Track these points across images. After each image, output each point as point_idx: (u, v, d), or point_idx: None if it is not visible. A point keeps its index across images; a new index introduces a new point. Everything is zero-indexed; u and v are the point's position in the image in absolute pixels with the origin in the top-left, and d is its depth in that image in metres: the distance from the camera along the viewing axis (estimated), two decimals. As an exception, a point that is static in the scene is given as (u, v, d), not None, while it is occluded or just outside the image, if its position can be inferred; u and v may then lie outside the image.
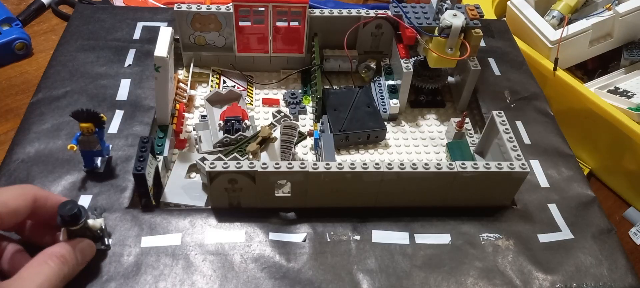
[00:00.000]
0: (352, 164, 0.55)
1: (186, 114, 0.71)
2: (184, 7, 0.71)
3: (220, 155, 0.60)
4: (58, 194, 0.51)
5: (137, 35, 0.78)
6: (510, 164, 0.57)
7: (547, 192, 0.63)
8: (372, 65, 0.78)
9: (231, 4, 0.71)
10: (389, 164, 0.55)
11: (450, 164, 0.56)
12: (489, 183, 0.58)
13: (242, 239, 0.55)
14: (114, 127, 0.64)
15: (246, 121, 0.66)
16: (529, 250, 0.57)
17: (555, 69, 0.84)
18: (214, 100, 0.70)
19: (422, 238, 0.57)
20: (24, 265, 0.44)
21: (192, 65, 0.76)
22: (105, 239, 0.52)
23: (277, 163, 0.54)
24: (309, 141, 0.69)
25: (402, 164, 0.55)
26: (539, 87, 0.78)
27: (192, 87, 0.75)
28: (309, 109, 0.75)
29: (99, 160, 0.59)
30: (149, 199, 0.55)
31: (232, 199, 0.57)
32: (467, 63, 0.72)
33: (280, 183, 0.59)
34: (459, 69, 0.76)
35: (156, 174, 0.57)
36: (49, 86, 0.68)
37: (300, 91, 0.77)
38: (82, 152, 0.57)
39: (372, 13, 0.75)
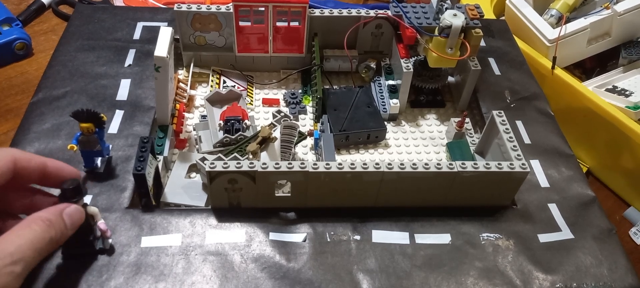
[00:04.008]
0: (352, 164, 0.55)
1: (186, 114, 0.71)
2: (184, 7, 0.71)
3: (220, 155, 0.60)
4: (42, 156, 0.50)
5: (137, 35, 0.78)
6: (510, 164, 0.57)
7: (547, 192, 0.63)
8: (372, 65, 0.78)
9: (231, 4, 0.71)
10: (389, 164, 0.55)
11: (450, 164, 0.56)
12: (489, 183, 0.58)
13: (242, 239, 0.55)
14: (114, 127, 0.64)
15: (246, 121, 0.66)
16: (529, 250, 0.57)
17: (553, 67, 0.84)
18: (214, 100, 0.70)
19: (422, 238, 0.57)
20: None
21: (192, 65, 0.76)
22: (105, 241, 0.52)
23: (277, 164, 0.54)
24: (309, 141, 0.69)
25: (402, 164, 0.55)
26: (539, 87, 0.78)
27: (192, 87, 0.75)
28: (309, 109, 0.75)
29: (99, 160, 0.59)
30: (149, 199, 0.55)
31: (232, 199, 0.57)
32: (467, 63, 0.72)
33: (280, 183, 0.59)
34: (459, 68, 0.76)
35: (156, 174, 0.57)
36: (49, 86, 0.68)
37: (300, 91, 0.77)
38: (82, 152, 0.57)
39: (372, 13, 0.75)
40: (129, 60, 0.74)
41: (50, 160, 0.50)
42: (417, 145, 0.72)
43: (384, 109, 0.74)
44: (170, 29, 0.59)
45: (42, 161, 0.49)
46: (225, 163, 0.53)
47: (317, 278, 0.52)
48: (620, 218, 0.82)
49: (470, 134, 0.74)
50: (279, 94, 0.77)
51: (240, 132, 0.65)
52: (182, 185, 0.62)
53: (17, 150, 0.48)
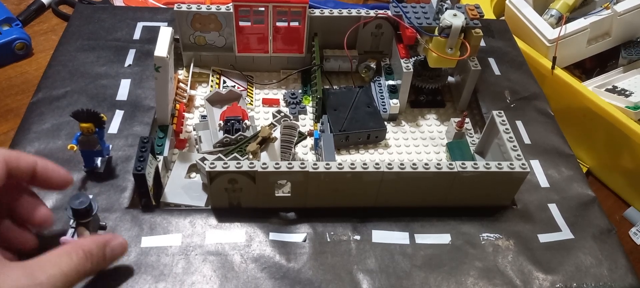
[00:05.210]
0: (352, 164, 0.55)
1: (186, 114, 0.71)
2: (184, 7, 0.71)
3: (220, 155, 0.60)
4: (29, 154, 0.49)
5: (137, 35, 0.78)
6: (510, 164, 0.57)
7: (547, 192, 0.63)
8: (372, 65, 0.78)
9: (231, 4, 0.71)
10: (389, 164, 0.55)
11: (450, 164, 0.56)
12: (489, 183, 0.58)
13: (242, 239, 0.55)
14: (114, 127, 0.64)
15: (246, 121, 0.66)
16: (529, 250, 0.57)
17: (553, 67, 0.84)
18: (214, 100, 0.70)
19: (422, 238, 0.57)
20: (49, 251, 0.43)
21: (192, 65, 0.76)
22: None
23: (277, 164, 0.54)
24: (309, 141, 0.69)
25: (402, 164, 0.55)
26: (539, 87, 0.78)
27: (192, 87, 0.75)
28: (309, 109, 0.75)
29: (99, 160, 0.59)
30: (149, 199, 0.55)
31: (232, 199, 0.57)
32: (467, 63, 0.72)
33: (280, 183, 0.59)
34: (459, 68, 0.76)
35: (156, 174, 0.57)
36: (49, 86, 0.68)
37: (300, 91, 0.77)
38: (82, 152, 0.57)
39: (372, 13, 0.75)
40: (129, 60, 0.74)
41: (40, 161, 0.48)
42: (417, 145, 0.72)
43: (384, 109, 0.74)
44: (170, 29, 0.59)
45: (32, 161, 0.47)
46: (225, 164, 0.53)
47: (317, 278, 0.52)
48: (620, 218, 0.82)
49: (470, 134, 0.74)
50: (279, 94, 0.77)
51: (240, 132, 0.65)
52: (182, 185, 0.62)
53: (5, 150, 0.47)
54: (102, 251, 0.45)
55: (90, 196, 0.48)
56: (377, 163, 0.55)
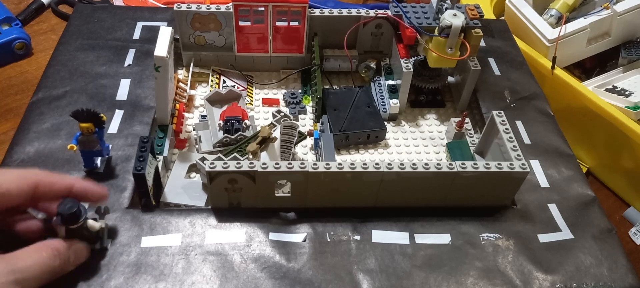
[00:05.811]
0: (352, 164, 0.55)
1: (186, 114, 0.71)
2: (184, 7, 0.71)
3: (220, 155, 0.60)
4: (68, 176, 0.50)
5: (137, 35, 0.78)
6: (510, 164, 0.57)
7: (547, 192, 0.63)
8: (372, 65, 0.78)
9: (231, 3, 0.71)
10: (389, 164, 0.55)
11: (450, 164, 0.56)
12: (489, 183, 0.58)
13: (242, 239, 0.55)
14: (113, 127, 0.64)
15: (246, 121, 0.66)
16: (529, 250, 0.57)
17: (553, 67, 0.84)
18: (214, 100, 0.70)
19: (422, 238, 0.57)
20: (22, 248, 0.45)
21: (192, 65, 0.76)
22: (104, 240, 0.52)
23: (277, 164, 0.54)
24: (309, 141, 0.69)
25: (402, 164, 0.55)
26: (539, 86, 0.78)
27: (192, 87, 0.75)
28: (309, 109, 0.75)
29: (98, 160, 0.59)
30: (149, 199, 0.55)
31: (232, 199, 0.57)
32: (467, 63, 0.72)
33: (280, 183, 0.59)
34: (459, 68, 0.76)
35: (156, 174, 0.57)
36: (48, 86, 0.68)
37: (300, 91, 0.77)
38: (82, 152, 0.57)
39: (372, 13, 0.75)
40: (129, 60, 0.73)
41: (77, 183, 0.49)
42: (417, 145, 0.72)
43: (384, 109, 0.74)
44: (170, 29, 0.59)
45: (68, 185, 0.49)
46: (225, 163, 0.53)
47: (317, 278, 0.52)
48: (620, 218, 0.82)
49: (470, 134, 0.74)
50: (278, 93, 0.77)
51: (240, 132, 0.65)
52: (182, 185, 0.62)
53: (42, 173, 0.48)
54: (66, 251, 0.48)
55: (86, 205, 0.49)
56: (377, 164, 0.55)
